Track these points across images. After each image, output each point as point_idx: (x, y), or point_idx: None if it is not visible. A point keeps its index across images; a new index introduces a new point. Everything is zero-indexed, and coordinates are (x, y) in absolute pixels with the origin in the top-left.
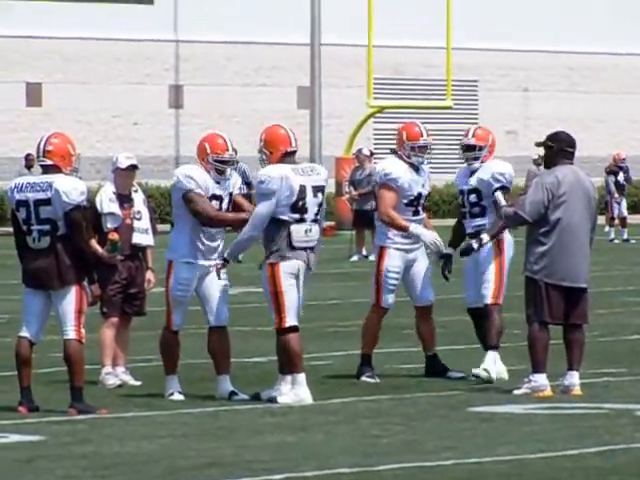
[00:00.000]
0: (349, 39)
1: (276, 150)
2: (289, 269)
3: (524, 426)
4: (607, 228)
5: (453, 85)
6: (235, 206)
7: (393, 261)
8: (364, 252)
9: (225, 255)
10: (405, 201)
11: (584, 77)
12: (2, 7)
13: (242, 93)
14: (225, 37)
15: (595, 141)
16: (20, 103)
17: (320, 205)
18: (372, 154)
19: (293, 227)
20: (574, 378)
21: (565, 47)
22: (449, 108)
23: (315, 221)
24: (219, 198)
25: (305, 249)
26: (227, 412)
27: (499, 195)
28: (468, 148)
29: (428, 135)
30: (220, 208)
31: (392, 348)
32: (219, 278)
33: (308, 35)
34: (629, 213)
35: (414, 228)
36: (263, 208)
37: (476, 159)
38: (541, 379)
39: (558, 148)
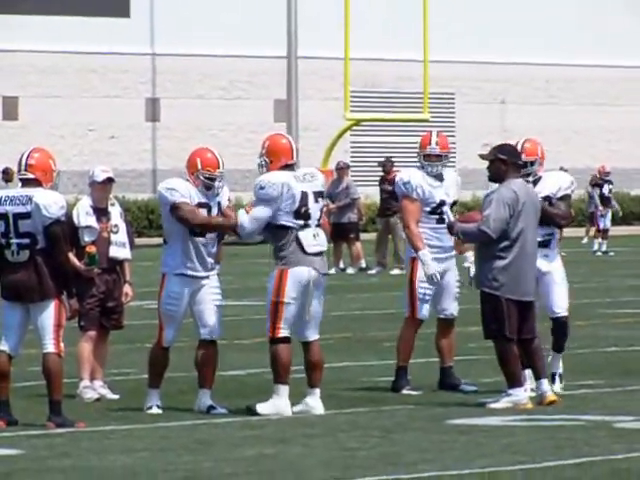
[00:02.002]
0: (326, 52)
1: (277, 160)
2: (298, 277)
3: (502, 438)
4: (585, 239)
5: (430, 98)
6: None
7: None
8: (341, 265)
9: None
10: (427, 209)
11: (561, 89)
12: None
13: (219, 106)
14: (201, 50)
15: (573, 153)
16: None
17: (321, 210)
18: (349, 167)
19: (301, 233)
20: (544, 385)
21: (542, 59)
22: (426, 121)
23: (319, 226)
24: (206, 206)
25: (318, 254)
26: (205, 425)
27: (447, 210)
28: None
29: (438, 144)
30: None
31: (370, 361)
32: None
33: (285, 48)
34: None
35: (423, 255)
36: (260, 212)
37: (529, 174)
38: (521, 392)
39: (510, 161)
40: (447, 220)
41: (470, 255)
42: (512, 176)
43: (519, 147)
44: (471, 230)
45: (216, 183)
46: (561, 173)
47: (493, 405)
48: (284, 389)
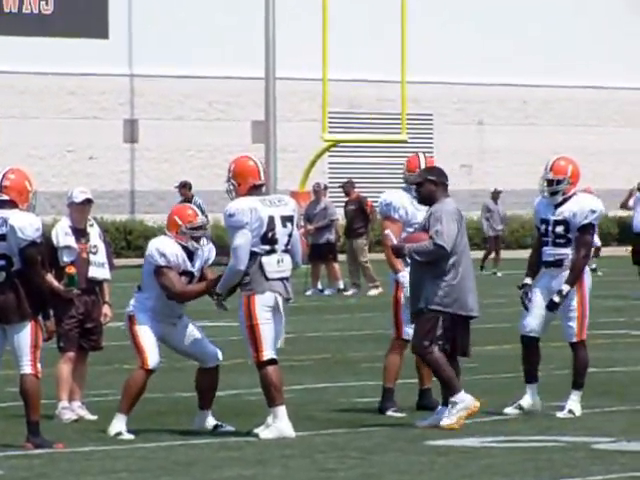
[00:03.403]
0: (303, 73)
1: (244, 182)
2: (265, 301)
3: (481, 459)
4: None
5: (408, 119)
6: (201, 277)
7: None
8: (319, 286)
9: (217, 289)
10: (411, 229)
11: (538, 110)
12: None
13: (197, 127)
14: (179, 71)
15: None
16: None
17: (290, 235)
18: (326, 188)
19: (264, 259)
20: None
21: (519, 80)
22: (404, 142)
23: (286, 251)
24: (190, 274)
25: (281, 279)
26: (184, 447)
27: (390, 233)
28: (548, 182)
29: (420, 166)
30: (190, 283)
31: (348, 382)
32: (224, 309)
33: (262, 69)
34: None
35: (402, 277)
36: (240, 239)
37: (556, 193)
38: (465, 397)
39: (439, 181)
40: (392, 243)
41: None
42: (443, 196)
43: (549, 165)
44: (424, 248)
45: (202, 232)
46: (589, 197)
47: (447, 422)
48: (281, 410)
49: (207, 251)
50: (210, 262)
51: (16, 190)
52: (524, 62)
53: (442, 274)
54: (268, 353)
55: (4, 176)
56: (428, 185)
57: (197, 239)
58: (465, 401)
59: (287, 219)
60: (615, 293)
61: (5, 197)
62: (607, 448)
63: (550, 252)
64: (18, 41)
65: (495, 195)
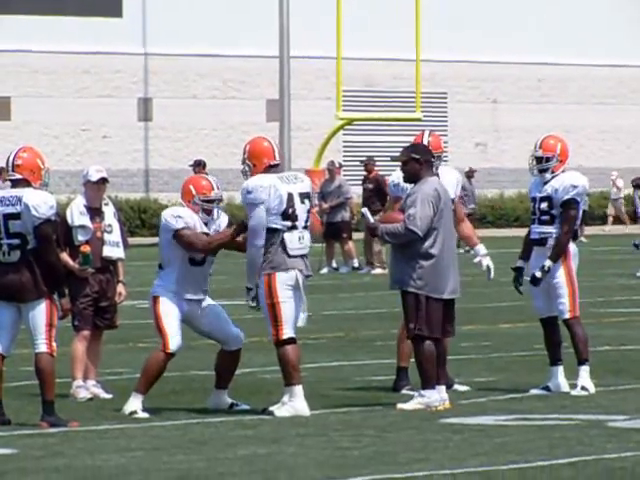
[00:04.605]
0: (318, 51)
1: (260, 162)
2: (286, 280)
3: (496, 437)
4: (583, 239)
5: (422, 97)
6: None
7: None
8: (334, 264)
9: (247, 284)
10: None
11: (552, 88)
12: None
13: (211, 106)
14: (194, 50)
15: None
16: None
17: (308, 212)
18: (341, 166)
19: (286, 235)
20: (443, 392)
21: (534, 59)
22: (418, 120)
23: (305, 227)
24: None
25: (301, 256)
26: (198, 425)
27: (366, 212)
28: (537, 160)
29: (430, 144)
30: None
31: (362, 360)
32: (257, 307)
33: (277, 48)
34: (599, 224)
35: None
36: (256, 217)
37: (545, 170)
38: (433, 395)
39: (424, 159)
40: (367, 222)
41: (481, 248)
42: (427, 174)
43: (538, 142)
44: (396, 230)
45: (215, 205)
46: (573, 173)
47: (403, 406)
48: (298, 389)
49: (218, 220)
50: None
51: (29, 168)
52: (539, 40)
53: (416, 256)
54: (287, 332)
55: (16, 155)
56: (412, 163)
57: (209, 212)
58: (430, 399)
59: (305, 196)
60: (628, 272)
61: (18, 176)
62: (622, 426)
63: (536, 230)
64: (32, 20)
65: (470, 174)
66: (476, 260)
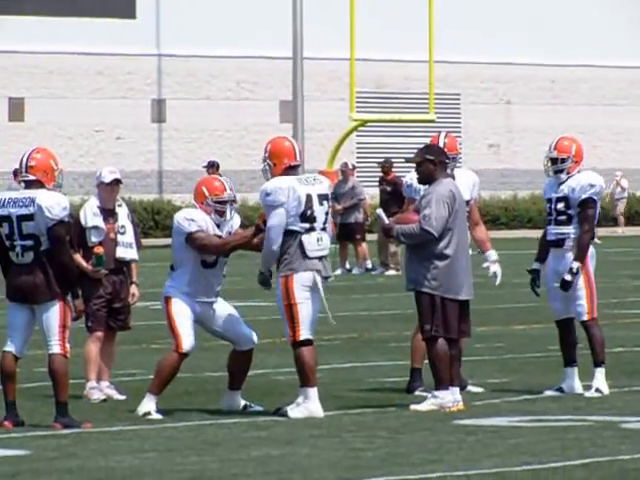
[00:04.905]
0: (331, 53)
1: (280, 162)
2: (303, 281)
3: (509, 439)
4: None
5: (436, 98)
6: None
7: None
8: (347, 266)
9: (261, 269)
10: None
11: (565, 89)
12: None
13: (224, 107)
14: (207, 51)
15: None
16: (3, 118)
17: (327, 213)
18: (354, 167)
19: (304, 237)
20: (457, 394)
21: (547, 60)
22: (432, 121)
23: (324, 229)
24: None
25: (319, 258)
26: (212, 426)
27: (381, 212)
28: (552, 161)
29: (446, 145)
30: None
31: (376, 361)
32: (268, 286)
33: (290, 49)
34: (612, 226)
35: None
36: (275, 219)
37: (560, 171)
38: (447, 396)
39: (438, 161)
40: (382, 223)
41: (492, 254)
42: (442, 175)
43: (553, 144)
44: (412, 231)
45: (227, 207)
46: (592, 173)
47: (416, 407)
48: (313, 391)
49: (231, 221)
50: (235, 229)
51: (42, 170)
52: (552, 41)
53: (431, 257)
54: (304, 333)
55: (29, 156)
56: (427, 164)
57: (221, 213)
58: (444, 399)
59: (323, 197)
60: None
61: (31, 177)
62: (635, 427)
63: (552, 231)
64: (46, 21)
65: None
66: (485, 265)
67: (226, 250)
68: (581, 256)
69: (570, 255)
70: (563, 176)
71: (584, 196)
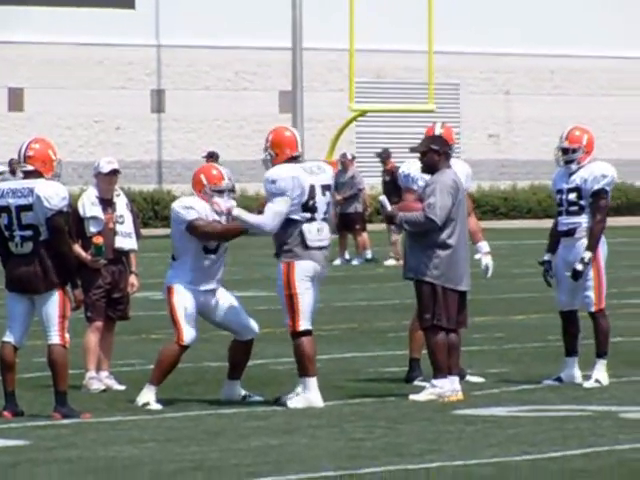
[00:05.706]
0: (330, 43)
1: (282, 152)
2: (305, 271)
3: (508, 429)
4: None
5: (435, 88)
6: None
7: None
8: (347, 256)
9: (240, 221)
10: None
11: (565, 80)
12: None
13: (224, 97)
14: (206, 42)
15: None
16: (2, 108)
17: (328, 204)
18: (354, 158)
19: (305, 227)
20: (456, 383)
21: (546, 50)
22: (431, 111)
23: (324, 220)
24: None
25: (320, 249)
26: (211, 416)
27: (385, 200)
28: (563, 151)
29: (442, 135)
30: None
31: (375, 351)
32: (229, 214)
33: (290, 39)
34: (612, 216)
35: None
36: (279, 205)
37: (571, 161)
38: (445, 384)
39: (442, 151)
40: (386, 210)
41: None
42: (445, 166)
43: (564, 134)
44: (415, 218)
45: (225, 195)
46: (603, 164)
47: (415, 397)
48: (312, 381)
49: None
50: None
51: (40, 160)
52: (551, 31)
53: (433, 246)
54: (304, 323)
55: (28, 146)
56: (431, 154)
57: None
58: (442, 389)
59: (326, 187)
60: None
61: (30, 167)
62: (634, 417)
63: (564, 221)
64: (45, 11)
65: None
66: (477, 256)
67: (229, 236)
68: (593, 246)
69: (580, 244)
70: (573, 166)
71: (597, 187)
